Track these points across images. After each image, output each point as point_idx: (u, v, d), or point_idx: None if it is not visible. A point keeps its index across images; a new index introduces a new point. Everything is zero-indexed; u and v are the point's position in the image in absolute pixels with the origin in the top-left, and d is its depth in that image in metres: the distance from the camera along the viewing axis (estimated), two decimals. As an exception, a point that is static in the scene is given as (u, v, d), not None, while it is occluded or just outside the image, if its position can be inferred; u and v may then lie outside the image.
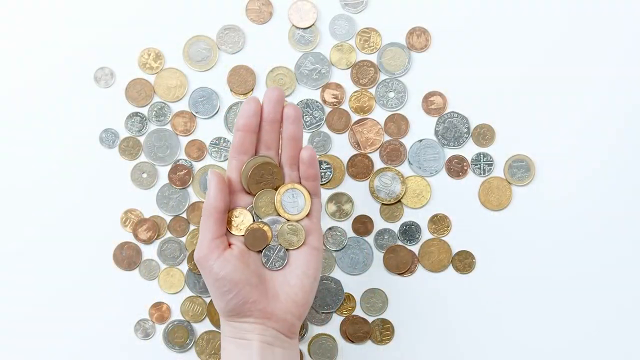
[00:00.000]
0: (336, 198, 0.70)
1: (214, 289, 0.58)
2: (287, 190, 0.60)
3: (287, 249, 0.60)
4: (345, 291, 0.70)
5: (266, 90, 0.59)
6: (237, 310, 0.58)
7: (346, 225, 0.70)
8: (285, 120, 0.59)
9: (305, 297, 0.60)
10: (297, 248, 0.60)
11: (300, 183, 0.61)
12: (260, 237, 0.59)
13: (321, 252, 0.61)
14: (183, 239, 0.71)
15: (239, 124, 0.59)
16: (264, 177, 0.60)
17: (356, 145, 0.71)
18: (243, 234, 0.60)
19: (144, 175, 0.71)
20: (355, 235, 0.70)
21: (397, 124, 0.71)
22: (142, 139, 0.71)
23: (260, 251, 0.60)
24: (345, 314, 0.70)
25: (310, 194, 0.60)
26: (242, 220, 0.60)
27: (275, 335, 0.59)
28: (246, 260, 0.59)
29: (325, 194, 0.71)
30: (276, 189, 0.60)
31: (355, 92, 0.71)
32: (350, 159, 0.71)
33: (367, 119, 0.71)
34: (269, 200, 0.60)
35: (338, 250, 0.70)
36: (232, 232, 0.60)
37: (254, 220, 0.60)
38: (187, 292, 0.70)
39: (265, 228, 0.60)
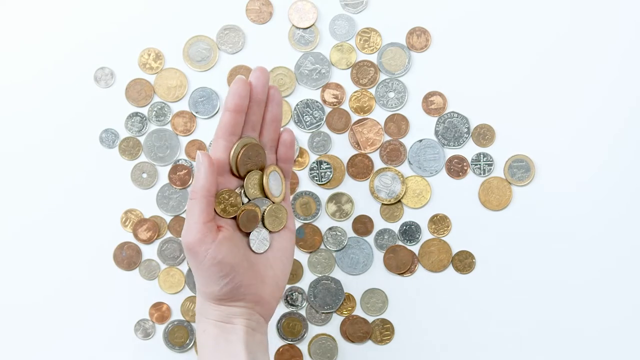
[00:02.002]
0: (336, 198, 0.70)
1: (208, 274, 0.55)
2: (272, 172, 0.59)
3: (270, 232, 0.59)
4: (345, 291, 0.70)
5: (253, 70, 0.57)
6: (230, 294, 0.56)
7: (346, 225, 0.70)
8: (271, 101, 0.58)
9: (284, 280, 0.59)
10: (278, 230, 0.59)
11: (276, 165, 0.60)
12: (252, 218, 0.57)
13: (294, 234, 0.60)
14: (183, 239, 0.71)
15: (230, 104, 0.56)
16: (251, 159, 0.58)
17: (356, 145, 0.71)
18: (232, 215, 0.57)
19: (144, 175, 0.71)
20: (355, 235, 0.70)
21: (397, 124, 0.71)
22: (142, 139, 0.71)
23: (248, 234, 0.58)
24: (345, 314, 0.70)
25: (284, 176, 0.60)
26: (232, 202, 0.57)
27: (258, 320, 0.58)
28: (237, 244, 0.57)
29: (325, 194, 0.71)
30: (261, 170, 0.59)
31: (355, 92, 0.71)
32: (350, 159, 0.71)
33: (367, 119, 0.71)
34: (256, 181, 0.58)
35: (338, 250, 0.70)
36: (219, 214, 0.57)
37: (242, 202, 0.58)
38: (187, 292, 0.70)
39: (257, 210, 0.58)
